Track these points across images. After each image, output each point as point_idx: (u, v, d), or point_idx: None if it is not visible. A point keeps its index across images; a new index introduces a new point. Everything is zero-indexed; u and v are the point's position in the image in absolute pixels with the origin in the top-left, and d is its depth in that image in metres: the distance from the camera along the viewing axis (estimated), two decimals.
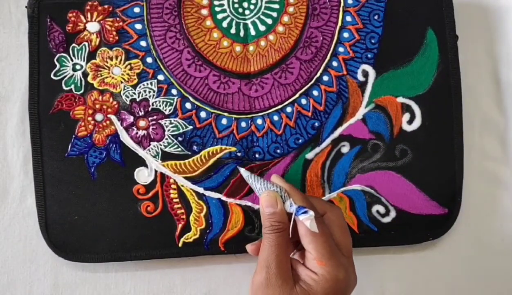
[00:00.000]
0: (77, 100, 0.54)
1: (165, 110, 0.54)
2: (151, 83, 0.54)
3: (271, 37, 0.56)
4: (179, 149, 0.54)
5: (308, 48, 0.56)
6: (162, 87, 0.54)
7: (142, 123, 0.54)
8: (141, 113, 0.54)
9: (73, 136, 0.53)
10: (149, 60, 0.55)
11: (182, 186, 0.54)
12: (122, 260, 0.53)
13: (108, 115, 0.54)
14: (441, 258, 0.57)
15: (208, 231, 0.54)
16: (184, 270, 0.55)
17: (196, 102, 0.55)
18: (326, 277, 0.44)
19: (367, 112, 0.55)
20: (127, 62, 0.55)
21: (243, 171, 0.53)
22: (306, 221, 0.44)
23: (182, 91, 0.55)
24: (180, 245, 0.53)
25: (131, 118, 0.54)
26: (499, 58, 0.61)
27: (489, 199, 0.58)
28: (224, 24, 0.56)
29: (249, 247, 0.50)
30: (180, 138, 0.54)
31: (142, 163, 0.54)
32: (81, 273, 0.55)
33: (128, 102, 0.54)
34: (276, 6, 0.56)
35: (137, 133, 0.54)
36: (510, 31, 0.61)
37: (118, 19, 0.55)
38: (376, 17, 0.56)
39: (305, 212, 0.45)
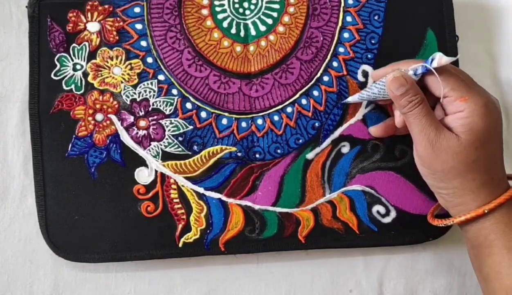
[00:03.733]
0: (78, 100, 0.54)
1: (166, 110, 0.54)
2: (151, 83, 0.54)
3: (271, 37, 0.56)
4: (180, 149, 0.54)
5: (309, 48, 0.56)
6: (163, 87, 0.54)
7: (142, 123, 0.54)
8: (142, 113, 0.54)
9: (74, 136, 0.53)
10: (149, 60, 0.55)
11: (183, 186, 0.54)
12: (122, 260, 0.53)
13: (109, 115, 0.54)
14: (441, 258, 0.57)
15: (208, 231, 0.54)
16: (184, 270, 0.55)
17: (197, 102, 0.55)
18: (475, 106, 0.46)
19: (367, 113, 0.55)
20: (127, 62, 0.55)
21: (350, 98, 0.54)
22: (442, 59, 0.45)
23: (183, 91, 0.55)
24: (180, 245, 0.53)
25: (131, 118, 0.54)
26: (499, 58, 0.61)
27: None
28: (225, 24, 0.56)
29: (372, 129, 0.54)
30: (180, 138, 0.54)
31: (142, 163, 0.54)
32: (81, 273, 0.55)
33: (128, 102, 0.54)
34: (277, 6, 0.56)
35: (137, 133, 0.54)
36: (510, 31, 0.61)
37: (118, 19, 0.55)
38: (376, 17, 0.56)
39: (432, 60, 0.46)
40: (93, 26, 0.55)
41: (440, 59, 0.46)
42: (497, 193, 0.46)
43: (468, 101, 0.46)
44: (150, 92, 0.54)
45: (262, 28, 0.56)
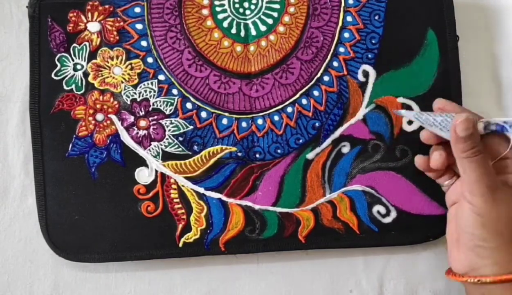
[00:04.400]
0: (78, 100, 0.54)
1: (166, 110, 0.54)
2: (151, 83, 0.54)
3: (271, 37, 0.56)
4: (180, 149, 0.54)
5: (309, 48, 0.56)
6: (163, 87, 0.55)
7: (142, 123, 0.54)
8: (142, 113, 0.54)
9: (74, 136, 0.53)
10: (149, 60, 0.55)
11: (183, 186, 0.54)
12: (122, 260, 0.53)
13: (109, 115, 0.54)
14: (441, 258, 0.57)
15: (208, 231, 0.54)
16: (184, 270, 0.55)
17: (197, 102, 0.55)
18: None
19: (367, 113, 0.55)
20: (127, 62, 0.55)
21: (404, 112, 0.52)
22: None
23: (183, 91, 0.55)
24: (180, 245, 0.53)
25: (131, 118, 0.54)
26: (499, 58, 0.61)
27: None
28: (225, 24, 0.56)
29: (419, 159, 0.52)
30: (180, 138, 0.54)
31: (142, 162, 0.54)
32: (81, 273, 0.55)
33: (128, 102, 0.54)
34: (277, 6, 0.56)
35: (137, 133, 0.54)
36: (510, 31, 0.61)
37: (119, 19, 0.55)
38: (376, 17, 0.56)
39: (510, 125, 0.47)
40: (94, 26, 0.55)
41: None
42: None
43: None
44: (150, 92, 0.54)
45: (263, 28, 0.56)
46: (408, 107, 0.55)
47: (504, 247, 0.45)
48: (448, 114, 0.49)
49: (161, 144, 0.54)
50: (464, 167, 0.46)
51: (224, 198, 0.54)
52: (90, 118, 0.54)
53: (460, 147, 0.46)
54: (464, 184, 0.47)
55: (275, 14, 0.56)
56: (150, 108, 0.54)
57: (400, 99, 0.56)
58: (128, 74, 0.55)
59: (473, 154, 0.46)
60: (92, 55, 0.55)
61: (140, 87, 0.54)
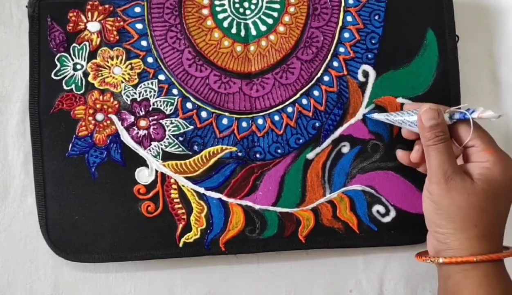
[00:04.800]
0: (78, 100, 0.54)
1: (166, 110, 0.54)
2: (152, 83, 0.54)
3: (272, 37, 0.56)
4: (180, 149, 0.54)
5: (309, 48, 0.56)
6: (163, 87, 0.54)
7: (142, 123, 0.54)
8: (142, 113, 0.54)
9: (74, 136, 0.53)
10: (150, 60, 0.55)
11: (183, 186, 0.54)
12: (122, 260, 0.53)
13: (109, 115, 0.54)
14: None
15: (208, 231, 0.54)
16: (184, 270, 0.55)
17: (197, 102, 0.55)
18: (499, 160, 0.48)
19: (367, 113, 0.55)
20: (127, 62, 0.55)
21: (376, 115, 0.54)
22: (484, 113, 0.47)
23: (183, 91, 0.55)
24: (180, 245, 0.53)
25: (131, 118, 0.54)
26: (499, 58, 0.61)
27: None
28: (225, 24, 0.56)
29: (399, 152, 0.54)
30: (180, 138, 0.54)
31: (142, 162, 0.54)
32: (81, 273, 0.55)
33: (128, 102, 0.54)
34: (277, 6, 0.56)
35: (137, 133, 0.54)
36: (510, 31, 0.61)
37: (118, 18, 0.55)
38: (376, 17, 0.56)
39: (473, 110, 0.48)
40: (94, 26, 0.55)
41: (482, 112, 0.47)
42: (492, 248, 0.47)
43: (493, 154, 0.47)
44: (150, 92, 0.54)
45: (263, 28, 0.56)
46: None
47: (458, 234, 0.47)
48: (414, 110, 0.51)
49: (161, 144, 0.54)
50: (429, 155, 0.48)
51: (225, 198, 0.54)
52: (90, 118, 0.54)
53: (425, 135, 0.49)
54: (428, 171, 0.49)
55: (275, 14, 0.56)
56: (150, 108, 0.54)
57: (400, 100, 0.56)
58: (128, 74, 0.54)
59: (437, 141, 0.48)
60: (92, 55, 0.54)
61: (140, 87, 0.54)
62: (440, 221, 0.48)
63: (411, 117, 0.51)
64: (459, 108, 0.49)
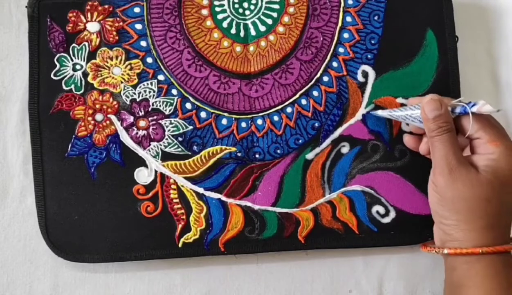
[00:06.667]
0: (77, 100, 0.54)
1: (165, 110, 0.54)
2: (151, 83, 0.54)
3: (271, 37, 0.56)
4: (179, 149, 0.54)
5: (308, 48, 0.56)
6: (162, 87, 0.55)
7: (142, 123, 0.54)
8: (141, 114, 0.54)
9: (73, 136, 0.53)
10: (149, 60, 0.55)
11: (182, 186, 0.54)
12: (122, 260, 0.53)
13: (108, 115, 0.54)
14: (441, 258, 0.57)
15: (208, 231, 0.54)
16: (184, 270, 0.55)
17: (196, 103, 0.55)
18: (506, 151, 0.47)
19: (366, 113, 0.55)
20: (127, 62, 0.55)
21: (380, 112, 0.54)
22: (483, 108, 0.46)
23: (182, 91, 0.55)
24: (180, 245, 0.53)
25: (131, 119, 0.54)
26: (499, 58, 0.61)
27: None
28: (225, 24, 0.56)
29: (406, 137, 0.55)
30: (180, 139, 0.54)
31: (142, 163, 0.54)
32: (81, 273, 0.55)
33: (128, 102, 0.54)
34: (276, 6, 0.56)
35: (137, 133, 0.54)
36: (510, 31, 0.61)
37: (118, 19, 0.55)
38: (376, 17, 0.56)
39: (474, 104, 0.47)
40: (93, 26, 0.55)
41: (481, 106, 0.47)
42: (498, 240, 0.46)
43: (499, 146, 0.47)
44: (150, 92, 0.54)
45: (262, 28, 0.56)
46: None
47: (463, 225, 0.47)
48: (417, 105, 0.51)
49: (161, 145, 0.54)
50: (433, 146, 0.48)
51: (224, 198, 0.54)
52: (90, 118, 0.54)
53: (429, 127, 0.48)
54: (433, 163, 0.49)
55: (275, 15, 0.56)
56: (150, 109, 0.54)
57: (399, 100, 0.56)
58: (128, 74, 0.55)
59: (440, 132, 0.48)
60: (92, 55, 0.55)
61: (140, 87, 0.54)
62: (445, 212, 0.47)
63: (414, 112, 0.51)
64: (460, 101, 0.49)
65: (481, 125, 0.48)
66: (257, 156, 0.55)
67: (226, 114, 0.55)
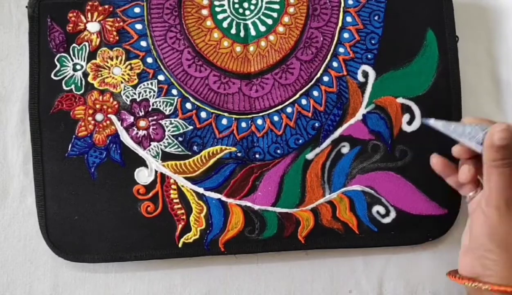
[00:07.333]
0: (77, 100, 0.54)
1: (166, 110, 0.54)
2: (151, 84, 0.54)
3: (271, 37, 0.56)
4: (179, 149, 0.54)
5: (309, 48, 0.56)
6: (163, 87, 0.55)
7: (142, 123, 0.54)
8: (142, 114, 0.54)
9: (73, 136, 0.53)
10: (149, 60, 0.55)
11: (182, 186, 0.54)
12: (122, 260, 0.53)
13: (108, 115, 0.54)
14: (441, 258, 0.57)
15: (208, 232, 0.54)
16: (184, 270, 0.55)
17: (197, 103, 0.55)
18: None
19: (367, 113, 0.55)
20: (127, 62, 0.55)
21: (432, 122, 0.51)
22: None
23: (183, 91, 0.55)
24: (180, 245, 0.53)
25: (131, 119, 0.54)
26: (499, 58, 0.61)
27: None
28: (225, 24, 0.56)
29: (435, 158, 0.52)
30: (180, 139, 0.54)
31: (142, 163, 0.54)
32: (81, 273, 0.55)
33: (128, 102, 0.54)
34: (277, 6, 0.56)
35: (137, 133, 0.54)
36: (510, 31, 0.61)
37: (118, 19, 0.55)
38: (376, 17, 0.56)
39: None
40: (93, 26, 0.55)
41: None
42: None
43: None
44: (150, 92, 0.54)
45: (262, 28, 0.56)
46: (408, 108, 0.55)
47: (509, 263, 0.45)
48: (478, 125, 0.48)
49: (161, 145, 0.54)
50: (490, 176, 0.46)
51: (224, 198, 0.54)
52: (90, 118, 0.54)
53: (492, 155, 0.46)
54: (485, 192, 0.47)
55: (275, 15, 0.56)
56: (150, 109, 0.54)
57: (400, 100, 0.56)
58: (128, 74, 0.55)
59: (503, 165, 0.45)
60: (92, 55, 0.55)
61: (140, 87, 0.54)
62: (493, 247, 0.46)
63: (475, 132, 0.48)
64: None
65: None
66: (257, 156, 0.55)
67: (226, 114, 0.55)
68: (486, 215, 0.46)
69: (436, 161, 0.52)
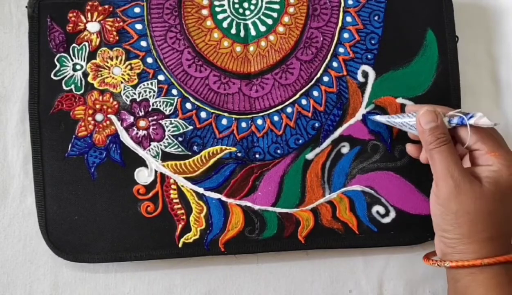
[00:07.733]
0: (77, 100, 0.54)
1: (166, 110, 0.54)
2: (151, 84, 0.54)
3: (271, 37, 0.56)
4: (179, 149, 0.54)
5: (309, 48, 0.56)
6: (163, 87, 0.55)
7: (142, 123, 0.54)
8: (141, 114, 0.54)
9: (73, 136, 0.53)
10: (149, 60, 0.55)
11: (182, 186, 0.54)
12: (122, 260, 0.53)
13: (108, 116, 0.54)
14: None
15: (208, 232, 0.54)
16: (184, 270, 0.55)
17: (197, 103, 0.55)
18: (505, 161, 0.46)
19: (366, 113, 0.55)
20: (127, 62, 0.55)
21: (378, 117, 0.54)
22: (480, 121, 0.46)
23: (183, 91, 0.55)
24: (180, 245, 0.53)
25: (131, 119, 0.54)
26: (499, 58, 0.61)
27: None
28: (225, 24, 0.56)
29: (409, 146, 0.54)
30: (180, 139, 0.54)
31: (142, 163, 0.54)
32: (81, 273, 0.55)
33: (128, 103, 0.54)
34: (277, 6, 0.56)
35: (137, 133, 0.54)
36: (510, 31, 0.61)
37: (118, 19, 0.55)
38: (376, 17, 0.56)
39: (471, 116, 0.46)
40: (93, 26, 0.55)
41: (479, 119, 0.46)
42: (499, 251, 0.46)
43: (498, 157, 0.46)
44: (150, 92, 0.54)
45: (262, 28, 0.56)
46: None
47: (465, 239, 0.46)
48: (414, 113, 0.50)
49: (161, 145, 0.54)
50: (432, 159, 0.47)
51: (224, 198, 0.54)
52: (90, 118, 0.54)
53: (426, 139, 0.48)
54: (434, 175, 0.48)
55: (275, 15, 0.56)
56: (150, 109, 0.54)
57: (400, 100, 0.56)
58: (128, 74, 0.55)
59: (438, 144, 0.47)
60: (92, 55, 0.55)
61: (140, 87, 0.54)
62: (447, 226, 0.47)
63: (411, 120, 0.50)
64: (458, 112, 0.48)
65: (479, 136, 0.47)
66: (257, 156, 0.55)
67: (226, 114, 0.55)
68: (436, 196, 0.47)
69: (410, 147, 0.54)
